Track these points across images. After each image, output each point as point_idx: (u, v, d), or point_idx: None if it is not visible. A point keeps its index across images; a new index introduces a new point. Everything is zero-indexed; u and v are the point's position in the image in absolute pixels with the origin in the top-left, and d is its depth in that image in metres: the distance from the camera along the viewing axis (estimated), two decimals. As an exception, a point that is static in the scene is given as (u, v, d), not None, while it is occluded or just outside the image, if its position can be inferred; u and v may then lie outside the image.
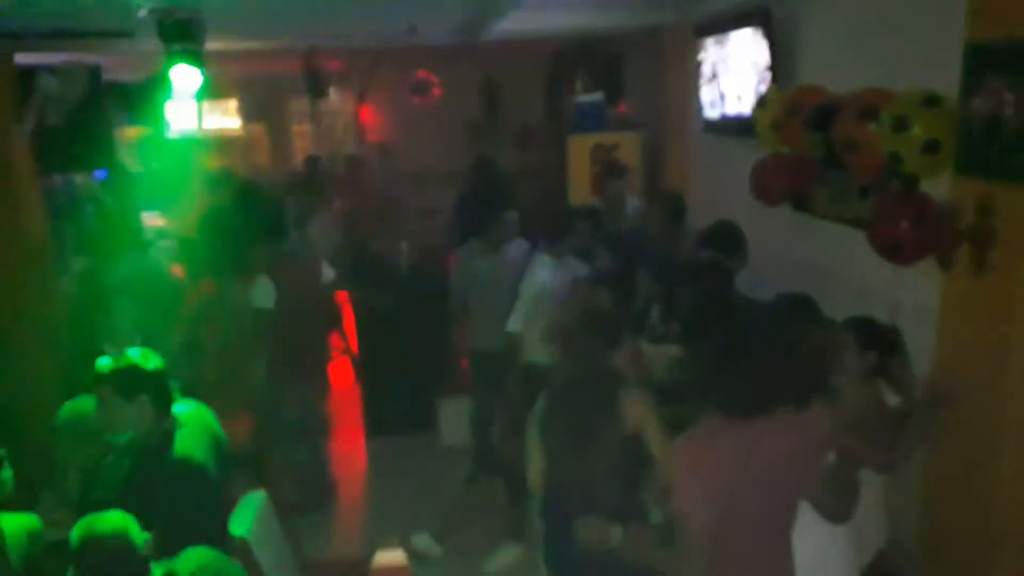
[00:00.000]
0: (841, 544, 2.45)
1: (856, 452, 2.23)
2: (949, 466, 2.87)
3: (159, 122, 7.21)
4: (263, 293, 4.38)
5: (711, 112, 5.28)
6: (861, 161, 3.22)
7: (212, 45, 4.40)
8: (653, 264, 4.27)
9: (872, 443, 2.40)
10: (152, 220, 8.03)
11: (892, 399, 2.77)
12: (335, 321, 4.99)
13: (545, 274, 4.35)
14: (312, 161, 8.41)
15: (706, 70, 5.26)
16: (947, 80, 2.83)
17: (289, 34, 5.68)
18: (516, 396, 3.30)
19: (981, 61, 2.65)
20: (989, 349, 2.67)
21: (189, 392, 3.08)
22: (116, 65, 6.58)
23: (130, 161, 8.06)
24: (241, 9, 4.53)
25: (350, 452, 5.52)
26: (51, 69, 4.95)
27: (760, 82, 4.44)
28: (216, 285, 6.56)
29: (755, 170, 4.08)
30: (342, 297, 5.08)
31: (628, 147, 6.52)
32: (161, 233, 8.10)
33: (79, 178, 6.66)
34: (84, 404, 3.09)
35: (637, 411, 2.74)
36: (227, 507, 2.92)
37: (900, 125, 2.80)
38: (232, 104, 10.22)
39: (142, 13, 3.78)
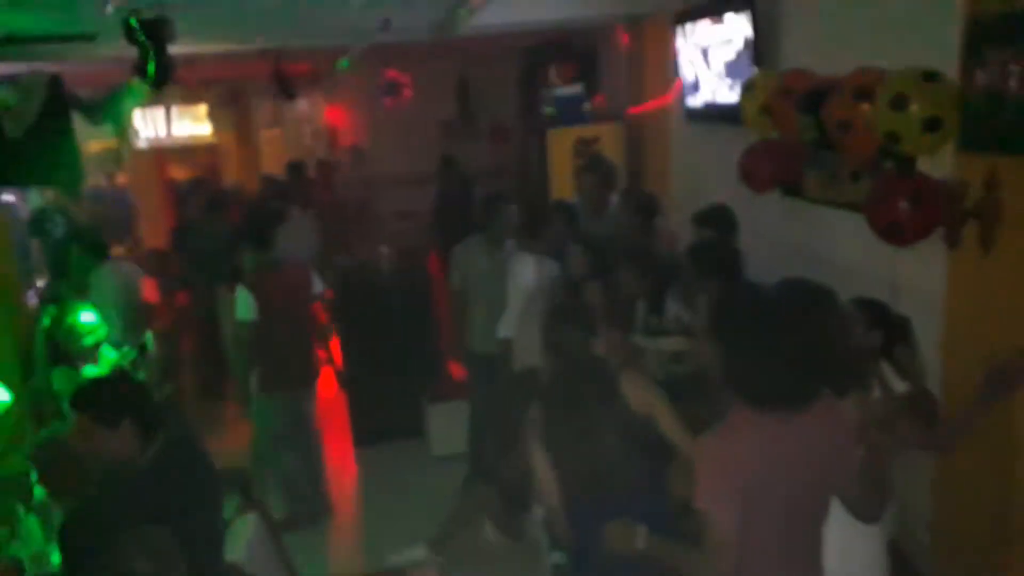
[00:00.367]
0: (869, 539, 2.37)
1: (898, 438, 2.17)
2: (961, 457, 2.81)
3: (124, 132, 6.97)
4: (243, 305, 4.23)
5: (693, 100, 5.22)
6: (855, 142, 3.14)
7: (179, 49, 4.24)
8: (631, 261, 4.15)
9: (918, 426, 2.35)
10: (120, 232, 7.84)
11: (899, 385, 2.71)
12: (321, 331, 4.84)
13: (528, 275, 4.24)
14: (295, 167, 8.14)
15: (687, 58, 5.19)
16: (940, 57, 2.77)
17: (260, 32, 5.51)
18: (510, 404, 3.20)
19: (981, 34, 2.59)
20: (1000, 330, 2.61)
21: (168, 407, 2.93)
22: (78, 75, 6.36)
23: (95, 174, 7.85)
24: (208, 8, 4.37)
25: (339, 463, 5.38)
26: (10, 80, 4.76)
27: (745, 67, 4.37)
28: (190, 297, 6.41)
29: (744, 156, 4.02)
30: (325, 305, 4.93)
31: (609, 139, 6.43)
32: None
33: (46, 192, 6.47)
34: (60, 429, 2.93)
35: (639, 392, 2.71)
36: (221, 532, 2.78)
37: (898, 103, 2.72)
38: (202, 110, 9.97)
39: (108, 10, 3.61)
